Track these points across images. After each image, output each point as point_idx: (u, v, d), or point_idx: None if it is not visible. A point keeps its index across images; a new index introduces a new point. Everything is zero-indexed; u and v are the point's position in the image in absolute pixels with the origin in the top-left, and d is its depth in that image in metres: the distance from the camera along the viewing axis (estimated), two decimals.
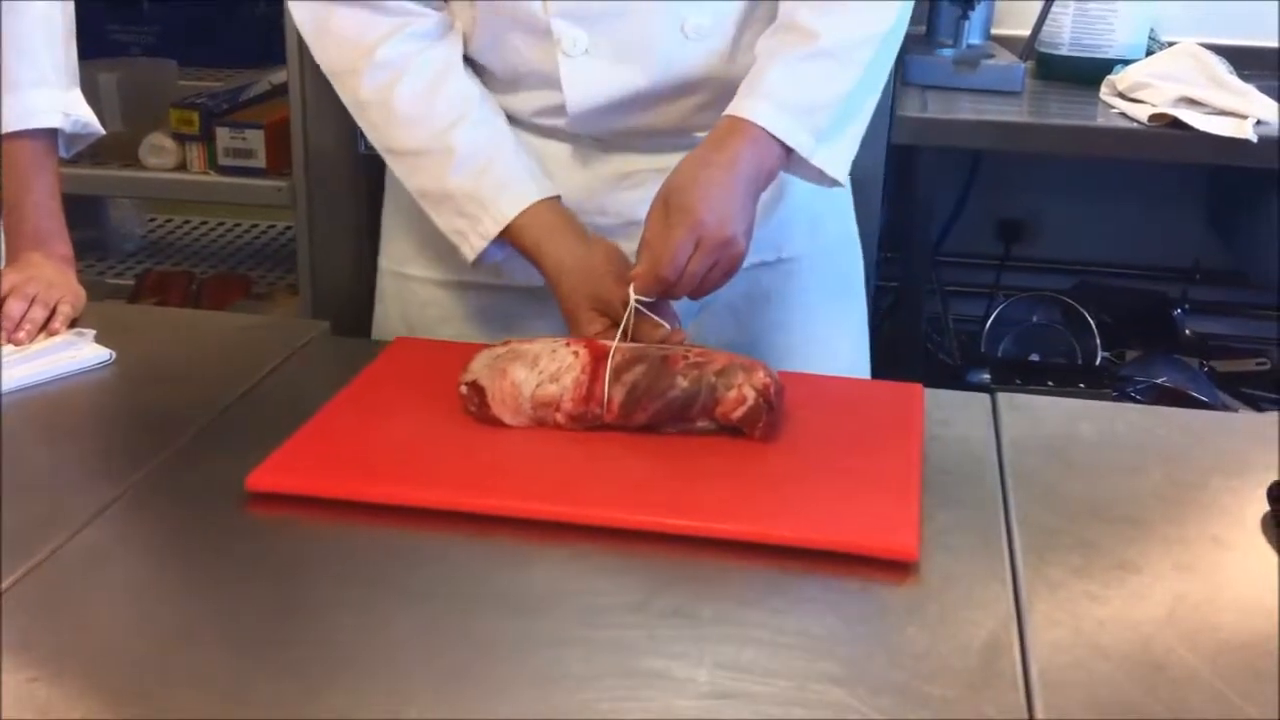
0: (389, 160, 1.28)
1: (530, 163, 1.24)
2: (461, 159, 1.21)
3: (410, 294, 1.38)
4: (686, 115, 1.25)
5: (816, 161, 1.18)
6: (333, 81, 1.27)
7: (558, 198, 1.23)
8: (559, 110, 1.24)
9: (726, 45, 1.22)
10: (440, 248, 1.32)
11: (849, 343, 1.41)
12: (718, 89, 1.23)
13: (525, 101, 1.26)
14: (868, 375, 1.42)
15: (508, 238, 1.22)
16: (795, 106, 1.16)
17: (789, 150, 1.16)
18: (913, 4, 1.23)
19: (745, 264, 1.26)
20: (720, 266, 1.13)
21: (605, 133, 1.26)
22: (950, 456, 1.08)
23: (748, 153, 1.14)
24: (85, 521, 0.95)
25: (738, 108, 1.16)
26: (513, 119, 1.28)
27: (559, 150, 1.27)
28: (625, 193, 1.26)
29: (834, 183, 1.21)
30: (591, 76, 1.21)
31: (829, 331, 1.37)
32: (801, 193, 1.28)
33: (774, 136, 1.15)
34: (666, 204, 1.13)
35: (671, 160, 1.20)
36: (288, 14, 2.16)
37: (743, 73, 1.20)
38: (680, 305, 1.20)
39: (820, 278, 1.37)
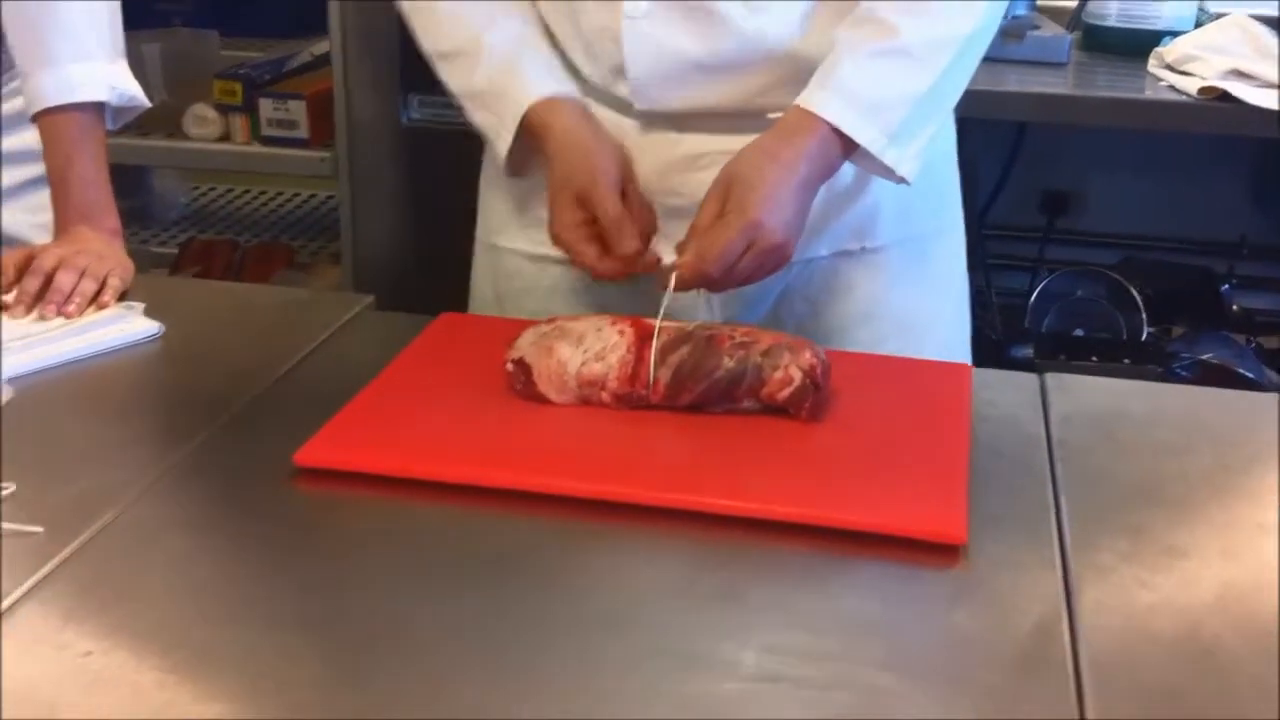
0: (434, 64, 1.31)
1: (556, 65, 1.27)
2: (489, 57, 1.25)
3: (499, 265, 1.39)
4: (754, 93, 1.23)
5: (887, 160, 1.17)
6: None
7: (579, 100, 1.25)
8: (623, 77, 1.24)
9: (793, 20, 1.20)
10: (526, 220, 1.34)
11: (944, 338, 1.34)
12: (786, 67, 1.21)
13: (593, 67, 1.26)
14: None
15: (527, 131, 1.23)
16: (866, 103, 1.15)
17: (856, 144, 1.15)
18: (1003, 7, 1.21)
19: (823, 253, 1.27)
20: (766, 268, 1.14)
21: (671, 108, 1.25)
22: (998, 438, 1.07)
23: (814, 150, 1.14)
24: (134, 497, 0.96)
25: (808, 100, 1.16)
26: (585, 89, 1.28)
27: (630, 128, 1.26)
28: (697, 174, 1.24)
29: (902, 180, 1.19)
30: (653, 41, 1.21)
31: (922, 326, 1.32)
32: (888, 181, 1.24)
33: (842, 133, 1.14)
34: (726, 194, 1.13)
35: (742, 142, 1.19)
36: None
37: (814, 53, 1.19)
38: (755, 293, 1.20)
39: (911, 269, 1.33)
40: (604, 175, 1.18)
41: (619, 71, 1.23)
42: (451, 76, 1.29)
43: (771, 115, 1.21)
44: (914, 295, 1.33)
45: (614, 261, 1.17)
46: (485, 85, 1.25)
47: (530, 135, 1.24)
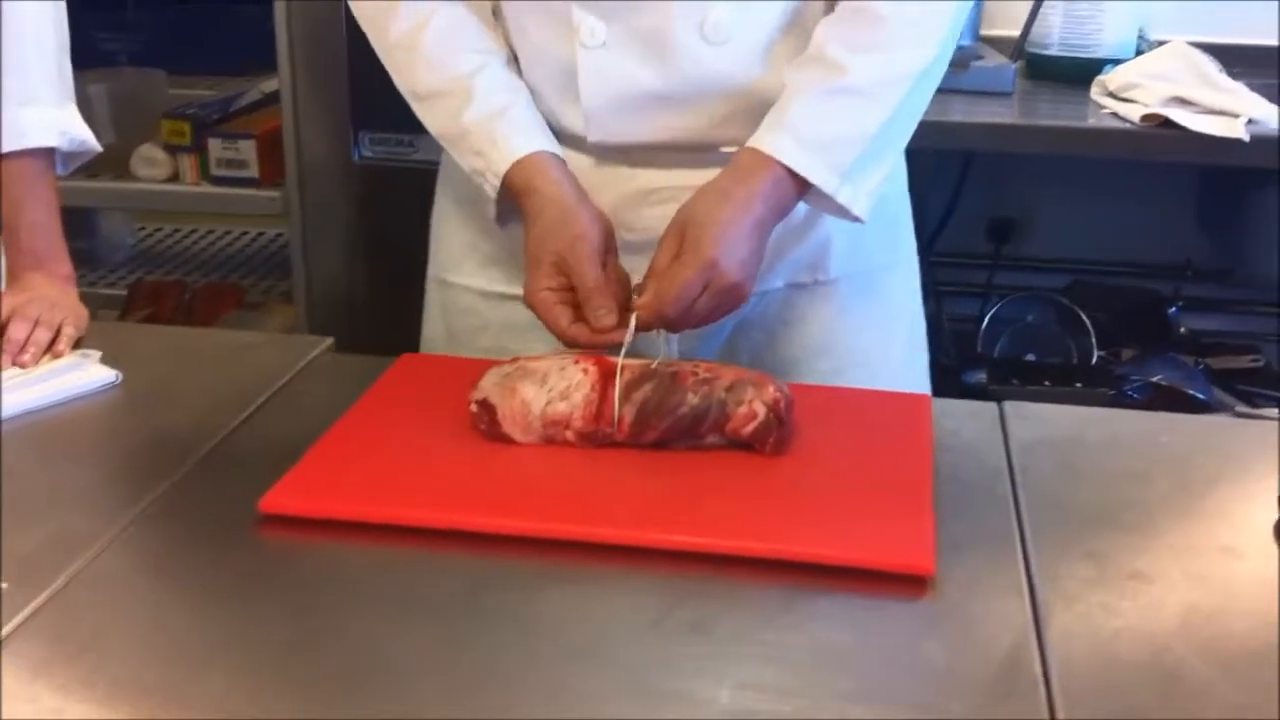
0: (412, 105, 1.29)
1: (542, 121, 1.25)
2: (479, 100, 1.23)
3: (451, 301, 1.39)
4: (710, 126, 1.24)
5: (840, 199, 1.18)
6: (364, 28, 1.29)
7: (562, 160, 1.23)
8: (578, 107, 1.24)
9: (750, 54, 1.21)
10: (478, 256, 1.34)
11: (898, 369, 1.35)
12: (743, 101, 1.22)
13: (549, 97, 1.26)
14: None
15: (509, 182, 1.21)
16: (817, 143, 1.16)
17: (809, 183, 1.16)
18: (954, 45, 1.21)
19: (777, 284, 1.28)
20: (723, 308, 1.14)
21: (626, 141, 1.25)
22: (961, 467, 1.08)
23: (768, 190, 1.15)
24: (100, 548, 0.95)
25: (760, 140, 1.16)
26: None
27: (584, 163, 1.27)
28: (651, 209, 1.25)
29: (856, 219, 1.20)
30: (609, 71, 1.21)
31: (876, 358, 1.33)
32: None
33: (795, 173, 1.15)
34: (682, 235, 1.13)
35: (698, 177, 1.19)
36: (279, 20, 2.17)
37: (770, 89, 1.20)
38: (712, 326, 1.20)
39: (863, 302, 1.34)
40: (585, 243, 1.15)
41: (574, 102, 1.23)
42: (432, 117, 1.27)
43: (726, 149, 1.22)
44: (867, 327, 1.34)
45: (585, 330, 1.14)
46: (473, 127, 1.23)
47: (511, 191, 1.22)
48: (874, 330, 1.35)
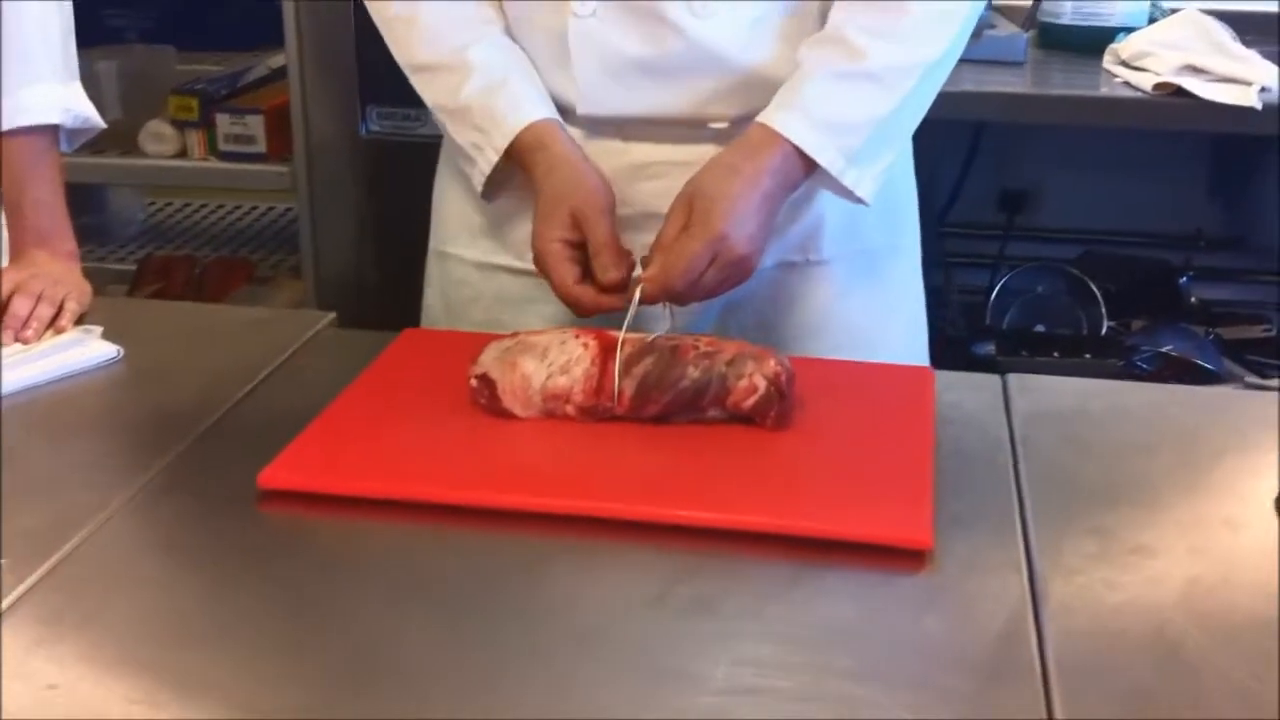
0: (411, 78, 1.29)
1: (543, 90, 1.25)
2: (477, 75, 1.23)
3: (447, 272, 1.39)
4: (700, 101, 1.23)
5: (846, 182, 1.18)
6: (366, 2, 1.30)
7: (565, 129, 1.24)
8: (571, 79, 1.24)
9: (738, 29, 1.21)
10: (475, 228, 1.34)
11: (896, 352, 1.32)
12: (733, 76, 1.22)
13: (542, 70, 1.26)
14: None
15: (513, 154, 1.22)
16: (829, 124, 1.16)
17: (816, 163, 1.16)
18: (968, 35, 1.21)
19: (768, 263, 1.27)
20: (730, 281, 1.14)
21: (616, 113, 1.25)
22: (962, 440, 1.08)
23: (777, 165, 1.15)
24: (99, 523, 0.95)
25: (771, 117, 1.17)
26: None
27: (577, 137, 1.26)
28: (644, 184, 1.25)
29: (860, 201, 1.20)
30: (599, 41, 1.21)
31: (872, 340, 1.32)
32: (834, 195, 1.25)
33: (804, 152, 1.15)
34: (690, 208, 1.13)
35: (690, 152, 1.21)
36: None
37: (760, 62, 1.20)
38: (701, 305, 1.20)
39: (860, 283, 1.33)
40: (600, 198, 1.18)
41: (566, 73, 1.23)
42: (430, 91, 1.27)
43: (716, 125, 1.23)
44: (863, 309, 1.33)
45: (589, 292, 1.16)
46: (472, 102, 1.23)
47: (520, 154, 1.22)
48: (871, 313, 1.34)
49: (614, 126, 1.25)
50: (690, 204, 1.13)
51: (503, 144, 1.22)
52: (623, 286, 1.14)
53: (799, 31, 1.21)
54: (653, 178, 1.24)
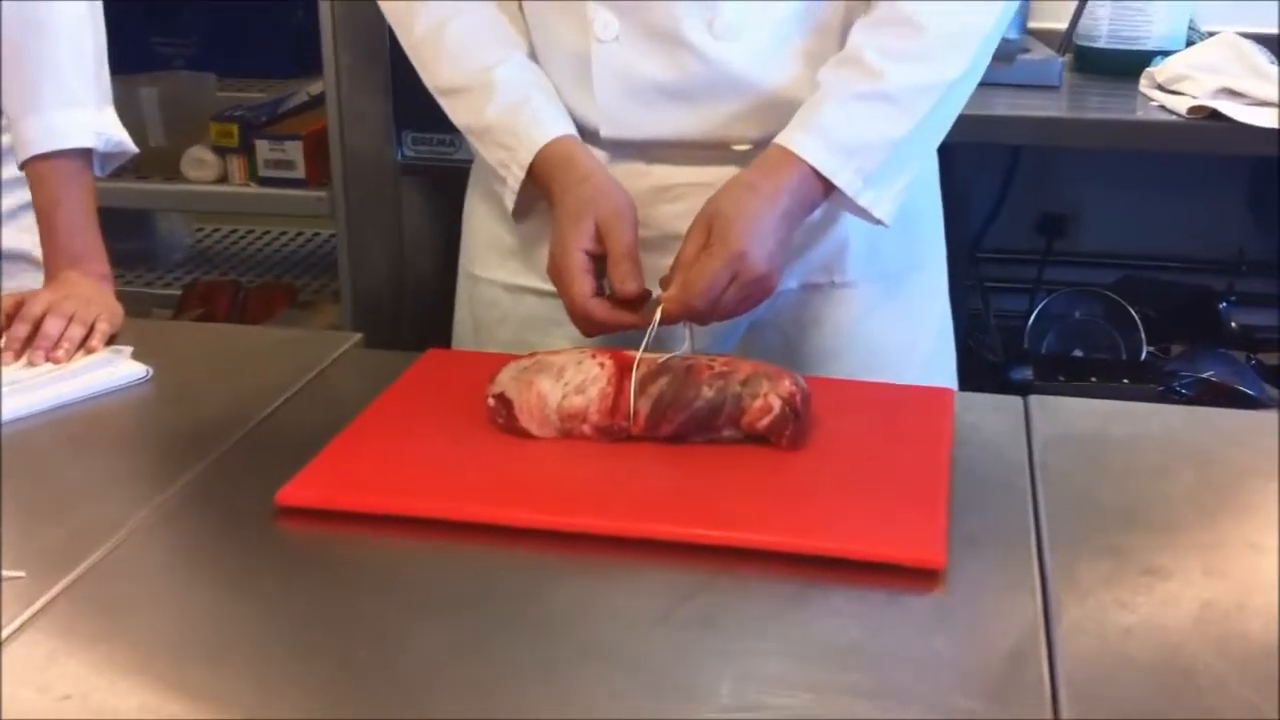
0: (439, 99, 1.31)
1: (564, 109, 1.26)
2: (500, 94, 1.24)
3: (477, 294, 1.40)
4: (721, 123, 1.24)
5: (862, 202, 1.19)
6: (392, 25, 1.32)
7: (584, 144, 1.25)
8: (593, 102, 1.25)
9: (761, 52, 1.21)
10: (502, 250, 1.35)
11: (919, 374, 1.31)
12: (754, 99, 1.22)
13: (566, 92, 1.27)
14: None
15: (535, 171, 1.23)
16: (845, 146, 1.16)
17: (834, 185, 1.17)
18: (987, 60, 1.22)
19: (792, 285, 1.28)
20: (750, 300, 1.14)
21: (638, 136, 1.26)
22: (979, 462, 1.07)
23: (794, 185, 1.16)
24: (119, 539, 0.96)
25: (788, 139, 1.17)
26: None
27: (600, 158, 1.27)
28: (665, 206, 1.26)
29: (879, 222, 1.21)
30: (621, 65, 1.22)
31: (895, 362, 1.31)
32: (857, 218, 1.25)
33: (820, 174, 1.16)
34: (709, 228, 1.13)
35: (711, 174, 1.21)
36: (324, 24, 2.20)
37: (781, 85, 1.21)
38: (725, 326, 1.21)
39: (883, 305, 1.33)
40: (626, 209, 1.18)
41: (590, 96, 1.24)
42: (458, 112, 1.29)
43: (738, 147, 1.23)
44: (886, 331, 1.33)
45: (604, 307, 1.15)
46: (496, 121, 1.25)
47: (543, 170, 1.22)
48: (896, 334, 1.34)
49: (636, 149, 1.26)
50: (709, 224, 1.14)
51: (527, 159, 1.22)
52: (639, 300, 1.15)
53: (820, 53, 1.22)
54: (675, 199, 1.24)
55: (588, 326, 1.17)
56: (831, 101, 1.17)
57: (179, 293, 2.76)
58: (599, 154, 1.26)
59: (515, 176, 1.24)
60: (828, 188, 1.18)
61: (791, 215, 1.16)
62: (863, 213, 1.20)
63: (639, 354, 1.08)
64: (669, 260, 1.17)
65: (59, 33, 1.35)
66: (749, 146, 1.23)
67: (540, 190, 1.24)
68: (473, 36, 1.27)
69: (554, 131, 1.23)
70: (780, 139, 1.18)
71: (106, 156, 1.40)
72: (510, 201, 1.27)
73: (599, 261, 1.17)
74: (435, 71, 1.29)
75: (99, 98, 1.39)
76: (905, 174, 1.21)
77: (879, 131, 1.17)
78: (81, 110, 1.36)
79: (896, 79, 1.17)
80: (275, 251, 3.08)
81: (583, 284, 1.16)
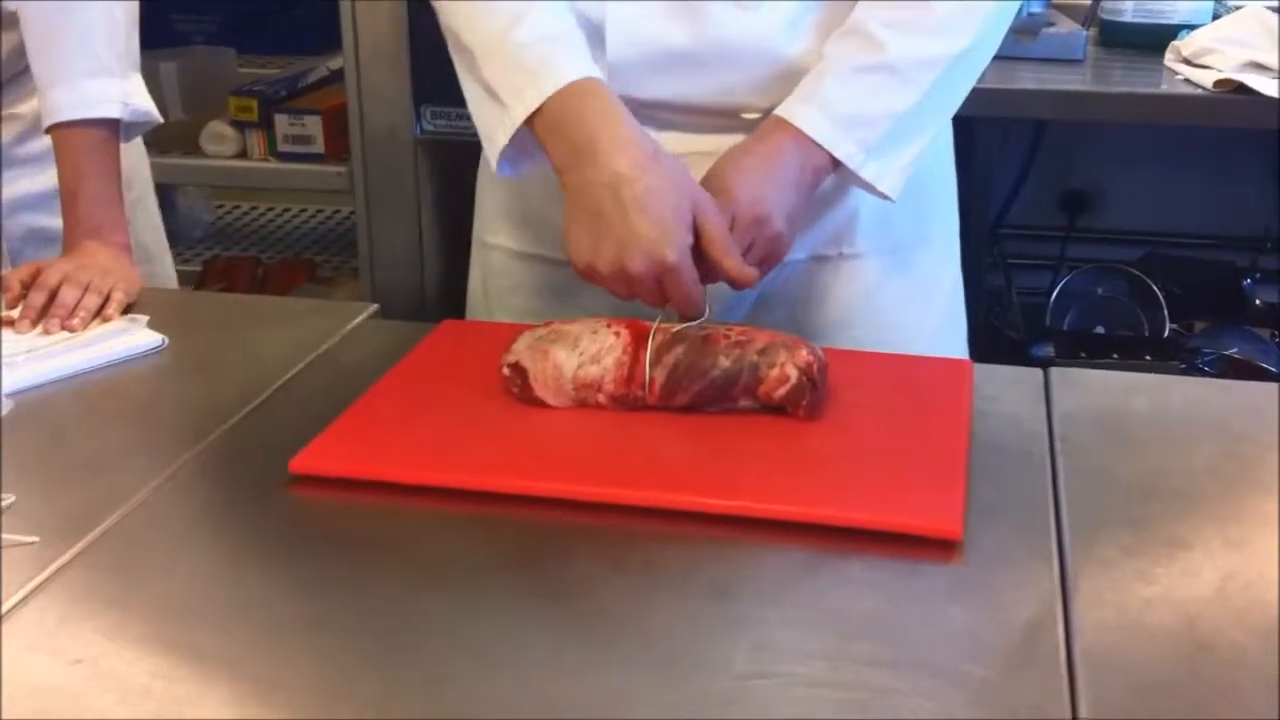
0: (464, 56, 1.19)
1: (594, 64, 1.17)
2: (535, 22, 1.15)
3: (489, 261, 1.39)
4: (734, 92, 1.22)
5: (866, 175, 1.17)
6: None
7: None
8: (604, 58, 1.21)
9: (779, 21, 1.20)
10: (513, 216, 1.33)
11: (929, 347, 1.29)
12: (769, 68, 1.21)
13: None
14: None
15: (547, 112, 1.12)
16: (844, 117, 1.15)
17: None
18: (1000, 28, 1.20)
19: (800, 256, 1.26)
20: (758, 248, 1.13)
21: (650, 99, 1.24)
22: (999, 433, 1.06)
23: (790, 148, 1.14)
24: (132, 506, 0.96)
25: (787, 110, 1.16)
26: None
27: None
28: None
29: (884, 196, 1.19)
30: (637, 26, 1.20)
31: (904, 335, 1.30)
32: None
33: (819, 144, 1.15)
34: (706, 188, 1.12)
35: (718, 142, 1.19)
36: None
37: (796, 55, 1.20)
38: (733, 297, 1.19)
39: (893, 277, 1.31)
40: (700, 187, 1.12)
41: (600, 58, 1.21)
42: (472, 24, 1.17)
43: (747, 115, 1.21)
44: (895, 303, 1.32)
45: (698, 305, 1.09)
46: (525, 46, 1.14)
47: (571, 110, 1.12)
48: (906, 306, 1.32)
49: (644, 114, 1.24)
50: (705, 185, 1.12)
51: (551, 89, 1.11)
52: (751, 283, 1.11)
53: (837, 25, 1.20)
54: (685, 168, 1.23)
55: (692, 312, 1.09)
56: (833, 73, 1.16)
57: (199, 269, 2.77)
58: None
59: (525, 105, 1.12)
60: (833, 161, 1.16)
61: (791, 171, 1.14)
62: (868, 186, 1.19)
63: (656, 324, 1.07)
64: None
65: (91, 5, 1.34)
66: (757, 115, 1.22)
67: (543, 137, 1.14)
68: None
69: (587, 71, 1.13)
70: (780, 110, 1.16)
71: (130, 125, 1.40)
72: (510, 129, 1.14)
73: None
74: (467, 25, 1.18)
75: (128, 64, 1.38)
76: (911, 147, 1.19)
77: (881, 103, 1.16)
78: (110, 80, 1.36)
79: (899, 51, 1.15)
80: (295, 228, 3.08)
81: (696, 284, 1.08)
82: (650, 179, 1.08)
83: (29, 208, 1.50)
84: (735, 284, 1.11)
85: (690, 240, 1.08)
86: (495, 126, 1.17)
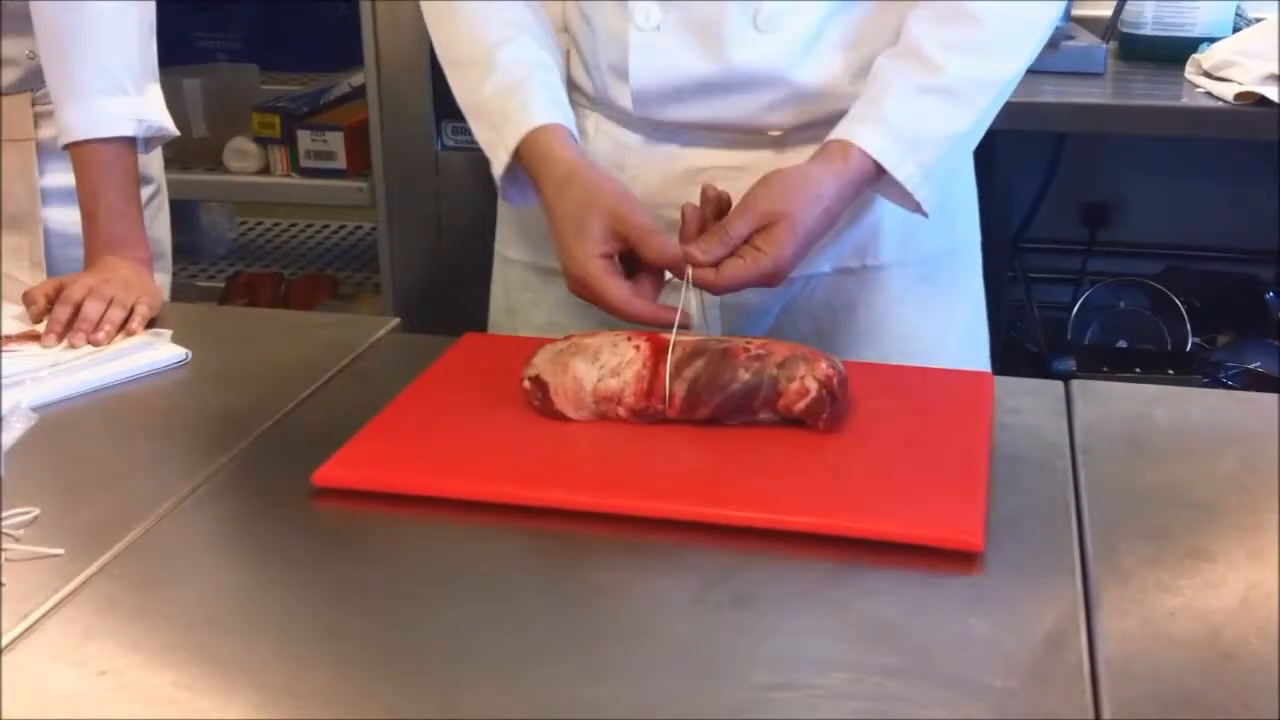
0: (446, 72, 1.30)
1: (562, 97, 1.25)
2: (499, 73, 1.23)
3: (511, 277, 1.40)
4: (756, 112, 1.23)
5: (919, 196, 1.18)
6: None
7: (576, 139, 1.23)
8: (626, 86, 1.24)
9: (798, 43, 1.20)
10: (531, 232, 1.34)
11: (952, 358, 1.30)
12: (788, 89, 1.22)
13: (600, 72, 1.27)
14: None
15: (524, 154, 1.21)
16: (908, 139, 1.16)
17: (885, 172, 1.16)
18: (1036, 52, 1.21)
19: (824, 269, 1.27)
20: (762, 250, 1.12)
21: (674, 121, 1.25)
22: (1020, 444, 1.06)
23: (856, 181, 1.16)
24: (156, 519, 0.97)
25: (851, 132, 1.16)
26: (588, 103, 1.30)
27: (634, 141, 1.27)
28: (696, 189, 1.25)
29: (922, 212, 1.20)
30: (659, 55, 1.21)
31: (928, 346, 1.31)
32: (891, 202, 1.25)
33: (882, 167, 1.15)
34: (765, 221, 1.12)
35: (746, 158, 1.21)
36: (364, 17, 2.21)
37: (815, 77, 1.20)
38: (757, 309, 1.20)
39: (916, 289, 1.32)
40: (626, 193, 1.16)
41: (623, 79, 1.23)
42: (459, 86, 1.28)
43: (772, 132, 1.23)
44: (919, 315, 1.32)
45: (646, 305, 1.12)
46: (490, 100, 1.24)
47: (529, 159, 1.21)
48: (929, 317, 1.32)
49: (670, 132, 1.25)
50: (768, 218, 1.12)
51: (513, 144, 1.21)
52: (681, 262, 1.11)
53: (857, 43, 1.21)
54: (707, 182, 1.23)
55: (638, 320, 1.13)
56: (893, 94, 1.17)
57: (222, 285, 2.79)
58: (632, 137, 1.25)
59: (500, 161, 1.23)
60: (880, 178, 1.17)
61: (835, 216, 1.16)
62: (910, 202, 1.19)
63: (674, 336, 1.08)
64: None
65: (102, 17, 1.35)
66: (781, 132, 1.23)
67: (529, 174, 1.23)
68: (484, 13, 1.26)
69: (541, 119, 1.20)
70: (843, 132, 1.17)
71: (147, 139, 1.41)
72: (498, 183, 1.25)
73: (613, 258, 1.14)
74: (445, 38, 1.29)
75: (143, 78, 1.39)
76: (952, 166, 1.21)
77: (940, 125, 1.17)
78: (124, 98, 1.37)
79: (957, 72, 1.16)
80: (317, 244, 3.10)
81: (619, 288, 1.12)
82: (558, 206, 1.16)
83: (70, 199, 1.50)
84: (677, 269, 1.11)
85: (601, 251, 1.12)
86: (495, 165, 1.25)
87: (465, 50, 1.27)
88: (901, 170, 1.16)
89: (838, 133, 1.17)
